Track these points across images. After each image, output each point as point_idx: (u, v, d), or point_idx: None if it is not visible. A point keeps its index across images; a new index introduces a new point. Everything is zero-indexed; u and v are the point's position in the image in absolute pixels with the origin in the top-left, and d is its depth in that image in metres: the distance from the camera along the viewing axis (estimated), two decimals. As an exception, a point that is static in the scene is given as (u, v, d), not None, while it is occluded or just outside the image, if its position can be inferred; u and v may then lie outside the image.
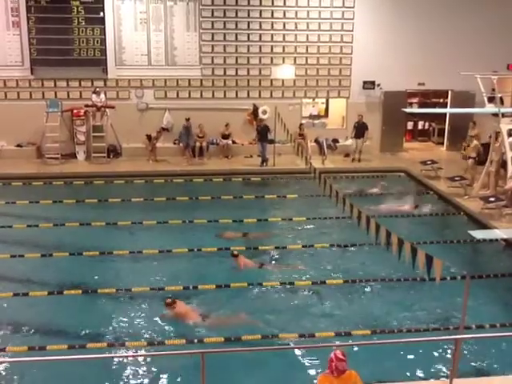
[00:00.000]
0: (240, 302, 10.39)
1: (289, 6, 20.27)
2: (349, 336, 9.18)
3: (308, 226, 14.33)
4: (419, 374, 8.29)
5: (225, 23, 20.22)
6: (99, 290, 10.64)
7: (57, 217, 14.37)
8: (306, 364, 8.55)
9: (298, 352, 8.80)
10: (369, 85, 20.89)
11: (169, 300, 9.79)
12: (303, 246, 12.85)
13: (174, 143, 20.20)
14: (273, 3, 20.22)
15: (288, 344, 9.11)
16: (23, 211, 14.99)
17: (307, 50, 20.58)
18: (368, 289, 11.00)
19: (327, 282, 11.15)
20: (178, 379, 8.31)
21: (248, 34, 20.30)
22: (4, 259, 11.94)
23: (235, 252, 11.74)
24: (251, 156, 19.56)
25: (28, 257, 12.06)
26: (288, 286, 10.97)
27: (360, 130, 19.71)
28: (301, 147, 17.43)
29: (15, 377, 8.26)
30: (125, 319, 9.88)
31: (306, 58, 20.62)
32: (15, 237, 13.28)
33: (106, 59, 19.78)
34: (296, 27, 20.41)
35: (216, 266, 11.84)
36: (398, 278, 11.09)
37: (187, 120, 19.34)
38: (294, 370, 8.52)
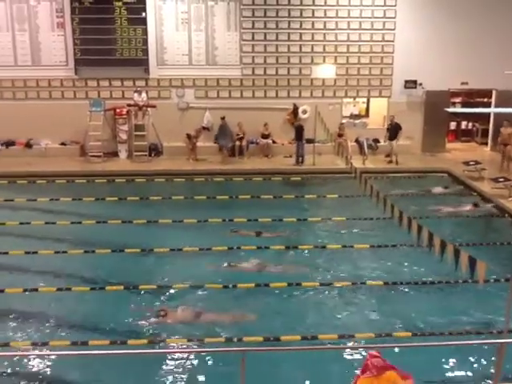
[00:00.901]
0: (279, 302, 10.41)
1: (330, 5, 20.16)
2: (389, 337, 9.10)
3: (348, 226, 14.21)
4: (462, 378, 8.15)
5: (265, 23, 20.24)
6: (140, 287, 10.78)
7: (99, 214, 14.64)
8: (345, 365, 8.50)
9: (337, 353, 8.78)
10: (410, 84, 20.62)
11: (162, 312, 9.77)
12: (343, 246, 12.77)
13: (215, 142, 20.30)
14: (314, 2, 20.14)
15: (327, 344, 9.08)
16: (67, 208, 15.31)
17: (348, 49, 20.45)
18: (409, 291, 10.86)
19: (367, 283, 11.08)
20: (218, 377, 8.36)
21: (288, 34, 20.27)
22: (48, 255, 12.22)
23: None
24: (291, 156, 19.49)
25: (71, 253, 12.35)
26: (326, 287, 10.94)
27: (393, 131, 19.48)
28: (341, 147, 17.37)
29: (58, 371, 8.44)
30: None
31: (347, 57, 20.49)
32: (59, 233, 13.55)
33: (147, 59, 20.03)
34: (337, 26, 20.30)
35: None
36: (440, 280, 10.93)
37: (222, 119, 19.45)
38: (333, 371, 8.49)
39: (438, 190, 16.91)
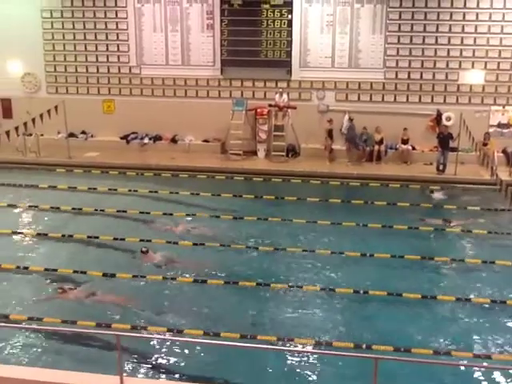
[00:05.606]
0: (407, 313, 10.17)
1: (482, 8, 19.21)
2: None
3: (489, 241, 13.51)
4: None
5: (412, 25, 19.70)
6: (272, 285, 10.99)
7: (236, 210, 15.08)
8: None
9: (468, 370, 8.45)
10: None
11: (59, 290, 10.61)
12: (483, 262, 12.13)
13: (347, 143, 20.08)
14: (465, 5, 19.30)
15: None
16: (206, 202, 15.91)
17: (500, 54, 19.37)
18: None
19: (507, 302, 10.49)
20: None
21: (436, 37, 19.57)
22: (187, 246, 12.80)
23: (143, 249, 12.13)
24: (431, 163, 18.83)
25: (208, 245, 12.82)
26: (463, 303, 10.51)
27: None
28: (486, 157, 16.53)
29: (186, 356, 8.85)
30: (294, 315, 10.12)
31: (498, 63, 19.41)
32: (198, 226, 14.08)
33: (290, 61, 20.26)
34: (489, 30, 19.30)
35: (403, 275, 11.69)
36: None
37: (351, 120, 19.32)
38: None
39: None
